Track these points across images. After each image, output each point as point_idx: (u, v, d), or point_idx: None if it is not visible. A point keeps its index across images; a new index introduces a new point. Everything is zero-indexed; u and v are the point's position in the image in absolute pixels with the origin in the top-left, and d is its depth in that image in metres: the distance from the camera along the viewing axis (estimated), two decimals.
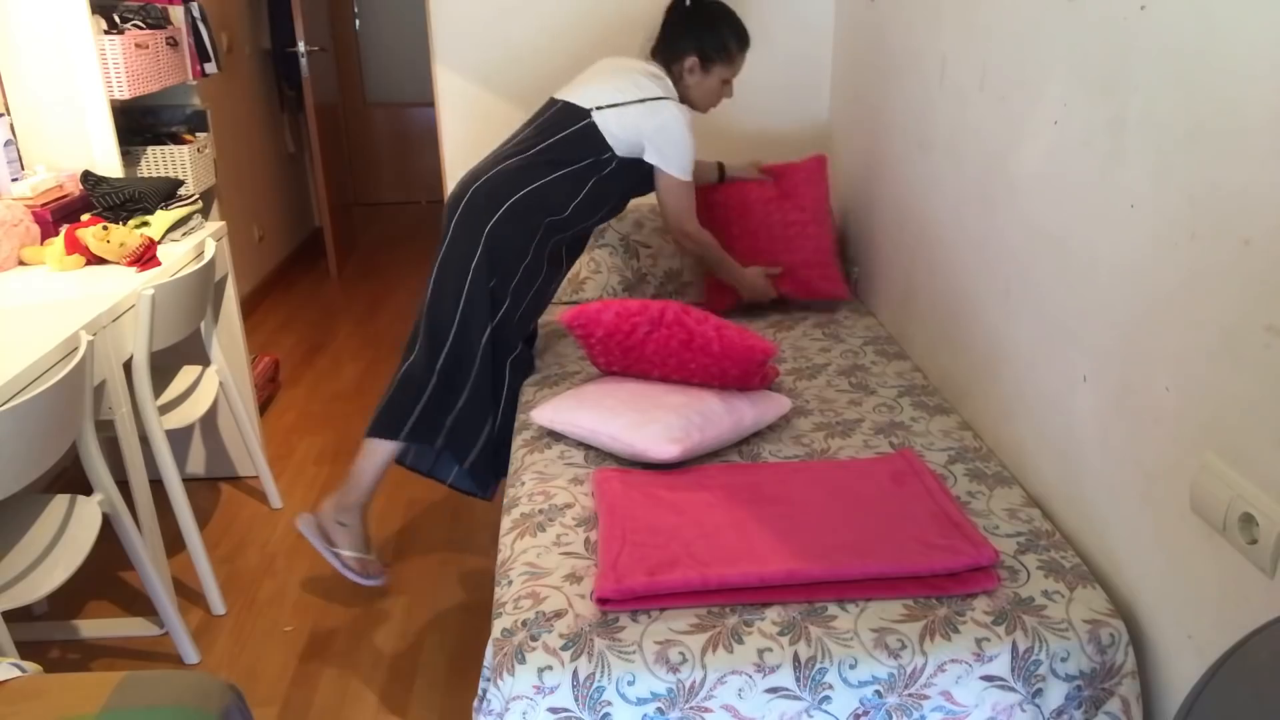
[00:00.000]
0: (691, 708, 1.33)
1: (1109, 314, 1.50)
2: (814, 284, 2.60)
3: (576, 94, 2.27)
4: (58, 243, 2.25)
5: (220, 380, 2.54)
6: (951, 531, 1.52)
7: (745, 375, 1.90)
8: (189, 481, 2.87)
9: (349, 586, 2.41)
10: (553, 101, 2.31)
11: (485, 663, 1.37)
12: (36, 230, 2.35)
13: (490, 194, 2.18)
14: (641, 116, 2.22)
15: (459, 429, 2.20)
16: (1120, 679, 1.39)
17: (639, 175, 2.29)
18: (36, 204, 2.42)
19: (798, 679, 1.33)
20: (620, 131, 2.22)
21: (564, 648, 1.35)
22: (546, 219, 2.22)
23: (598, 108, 2.22)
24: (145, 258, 2.26)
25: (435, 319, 2.19)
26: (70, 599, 2.37)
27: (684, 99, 2.32)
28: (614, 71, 2.30)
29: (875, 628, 1.38)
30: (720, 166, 2.70)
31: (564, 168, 2.22)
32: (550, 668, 1.33)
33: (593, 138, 2.22)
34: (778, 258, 2.59)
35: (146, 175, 3.04)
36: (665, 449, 1.74)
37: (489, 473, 2.26)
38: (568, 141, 2.22)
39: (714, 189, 2.69)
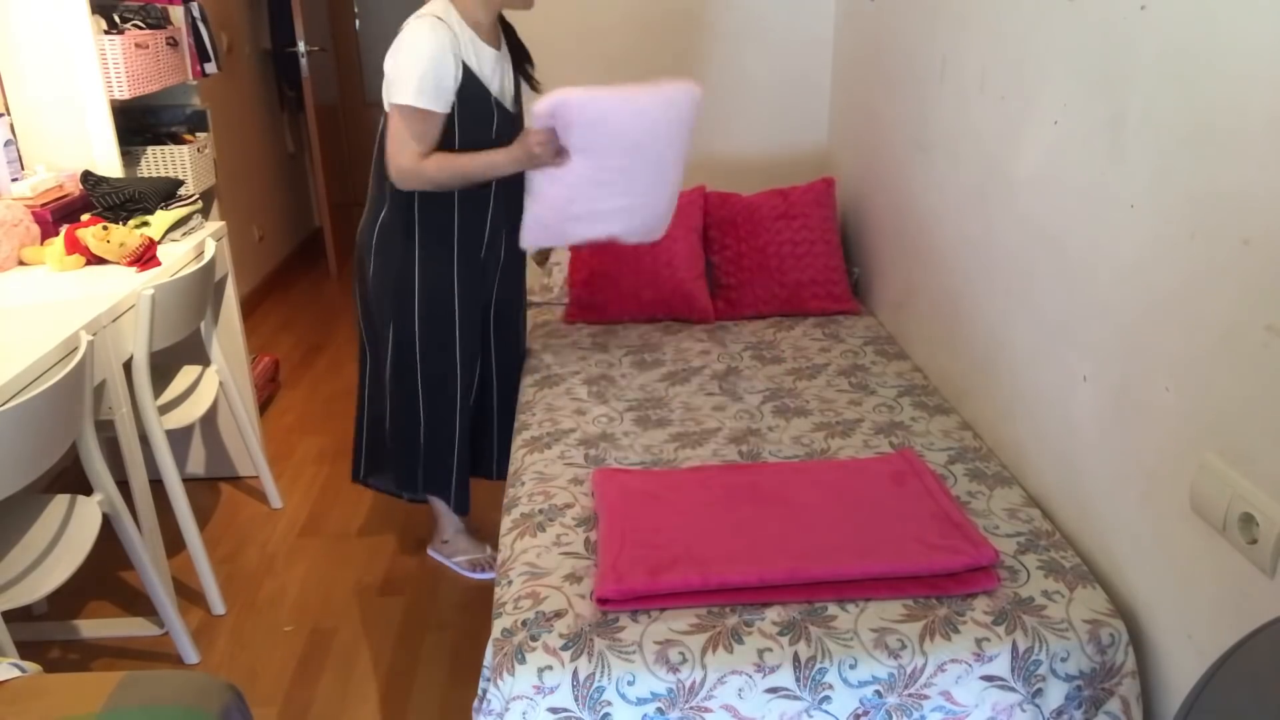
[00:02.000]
0: (691, 708, 1.33)
1: (1109, 314, 1.50)
2: (823, 301, 2.63)
3: None
4: (58, 243, 2.25)
5: (220, 380, 2.54)
6: (952, 531, 1.52)
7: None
8: (189, 481, 2.87)
9: (348, 586, 2.42)
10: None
11: (485, 663, 1.37)
12: (36, 230, 2.35)
13: (360, 252, 2.15)
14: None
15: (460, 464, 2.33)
16: (1120, 679, 1.39)
17: (450, 124, 1.97)
18: (36, 204, 2.41)
19: (798, 679, 1.33)
20: None
21: (564, 648, 1.35)
22: (407, 238, 2.08)
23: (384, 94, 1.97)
24: (145, 258, 2.26)
25: (377, 377, 2.27)
26: (70, 599, 2.37)
27: (469, 11, 1.96)
28: None
29: (875, 628, 1.38)
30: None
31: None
32: (550, 668, 1.33)
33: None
34: (786, 275, 2.61)
35: (146, 175, 3.04)
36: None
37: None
38: (382, 146, 2.01)
39: (723, 205, 2.71)
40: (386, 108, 1.96)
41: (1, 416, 1.53)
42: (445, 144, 1.98)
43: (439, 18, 1.90)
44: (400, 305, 2.14)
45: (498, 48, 2.04)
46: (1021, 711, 1.37)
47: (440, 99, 1.91)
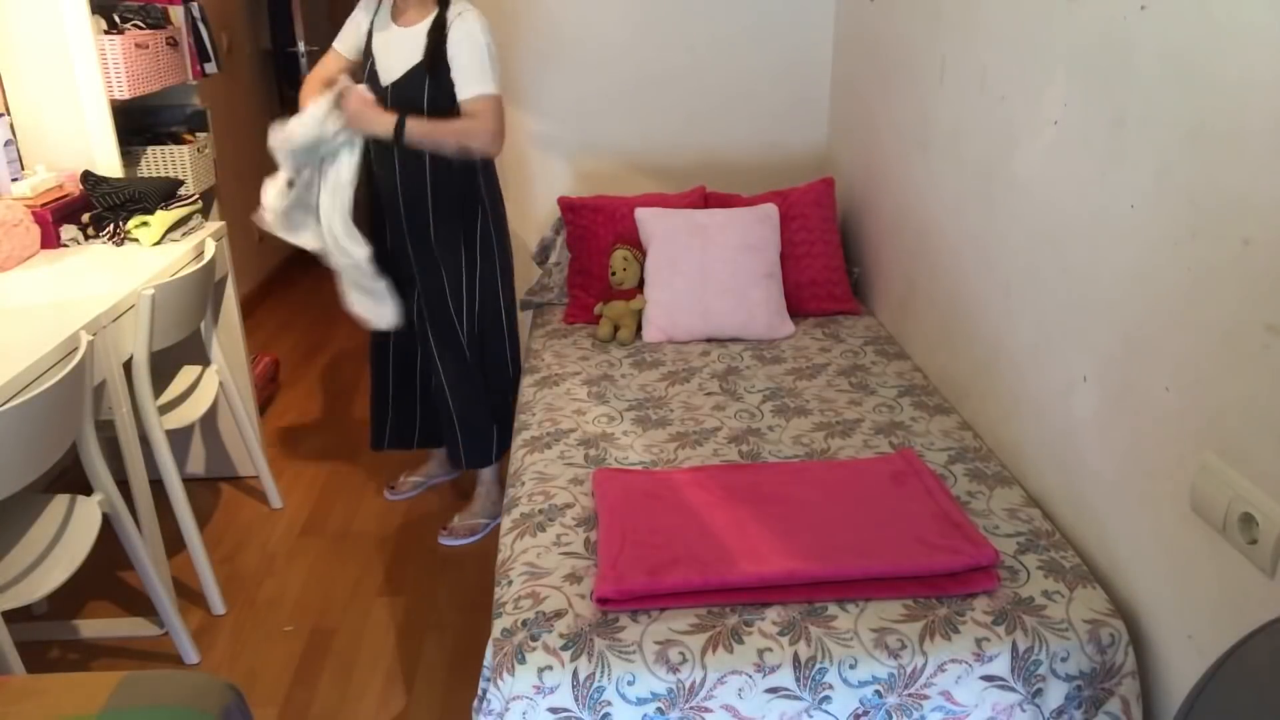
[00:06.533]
0: (691, 708, 1.33)
1: (1109, 314, 1.50)
2: (823, 301, 2.62)
3: None
4: None
5: (220, 380, 2.54)
6: (952, 531, 1.52)
7: None
8: (189, 481, 2.86)
9: (348, 586, 2.42)
10: None
11: (485, 663, 1.37)
12: (36, 230, 2.35)
13: None
14: None
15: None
16: (1120, 679, 1.39)
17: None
18: (36, 204, 2.41)
19: (798, 679, 1.33)
20: None
21: (564, 648, 1.35)
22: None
23: None
24: None
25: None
26: (70, 599, 2.37)
27: None
28: None
29: (875, 628, 1.38)
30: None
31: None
32: (550, 668, 1.33)
33: None
34: (786, 275, 2.60)
35: (146, 175, 3.04)
36: None
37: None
38: None
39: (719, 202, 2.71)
40: None
41: (1, 416, 1.53)
42: None
43: None
44: None
45: (403, 24, 2.24)
46: (1021, 711, 1.37)
47: (343, 42, 2.37)
